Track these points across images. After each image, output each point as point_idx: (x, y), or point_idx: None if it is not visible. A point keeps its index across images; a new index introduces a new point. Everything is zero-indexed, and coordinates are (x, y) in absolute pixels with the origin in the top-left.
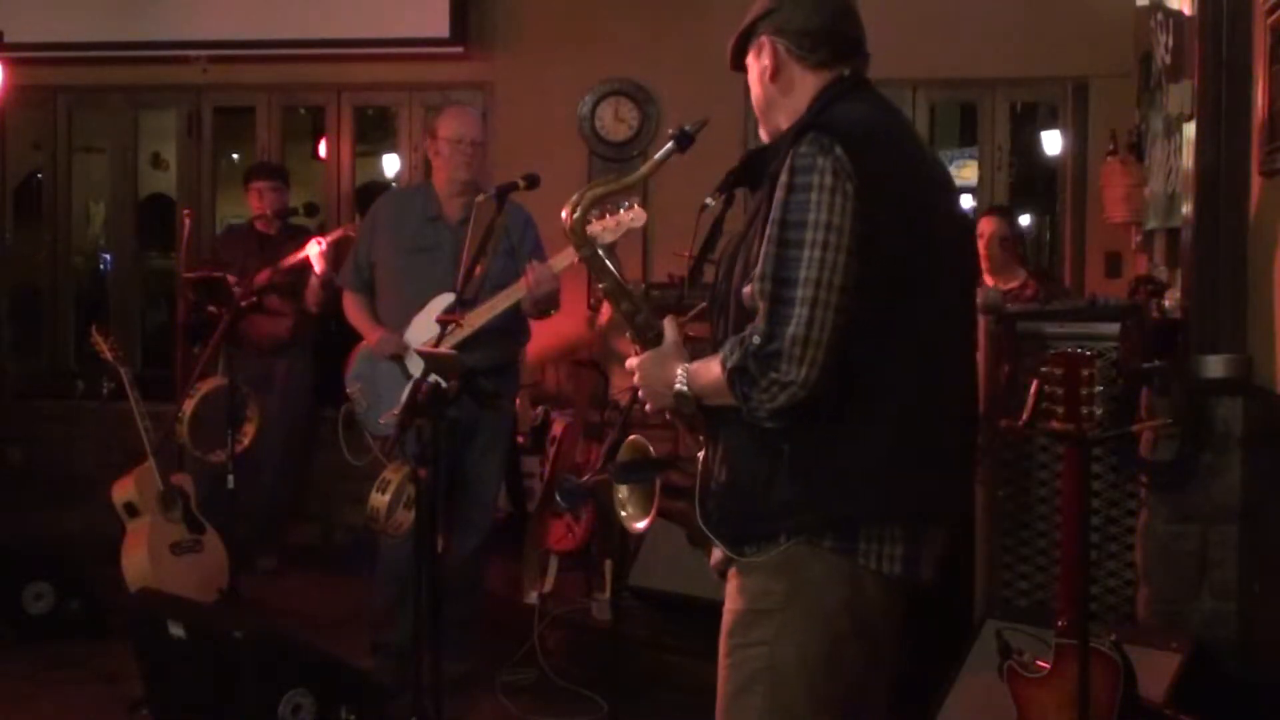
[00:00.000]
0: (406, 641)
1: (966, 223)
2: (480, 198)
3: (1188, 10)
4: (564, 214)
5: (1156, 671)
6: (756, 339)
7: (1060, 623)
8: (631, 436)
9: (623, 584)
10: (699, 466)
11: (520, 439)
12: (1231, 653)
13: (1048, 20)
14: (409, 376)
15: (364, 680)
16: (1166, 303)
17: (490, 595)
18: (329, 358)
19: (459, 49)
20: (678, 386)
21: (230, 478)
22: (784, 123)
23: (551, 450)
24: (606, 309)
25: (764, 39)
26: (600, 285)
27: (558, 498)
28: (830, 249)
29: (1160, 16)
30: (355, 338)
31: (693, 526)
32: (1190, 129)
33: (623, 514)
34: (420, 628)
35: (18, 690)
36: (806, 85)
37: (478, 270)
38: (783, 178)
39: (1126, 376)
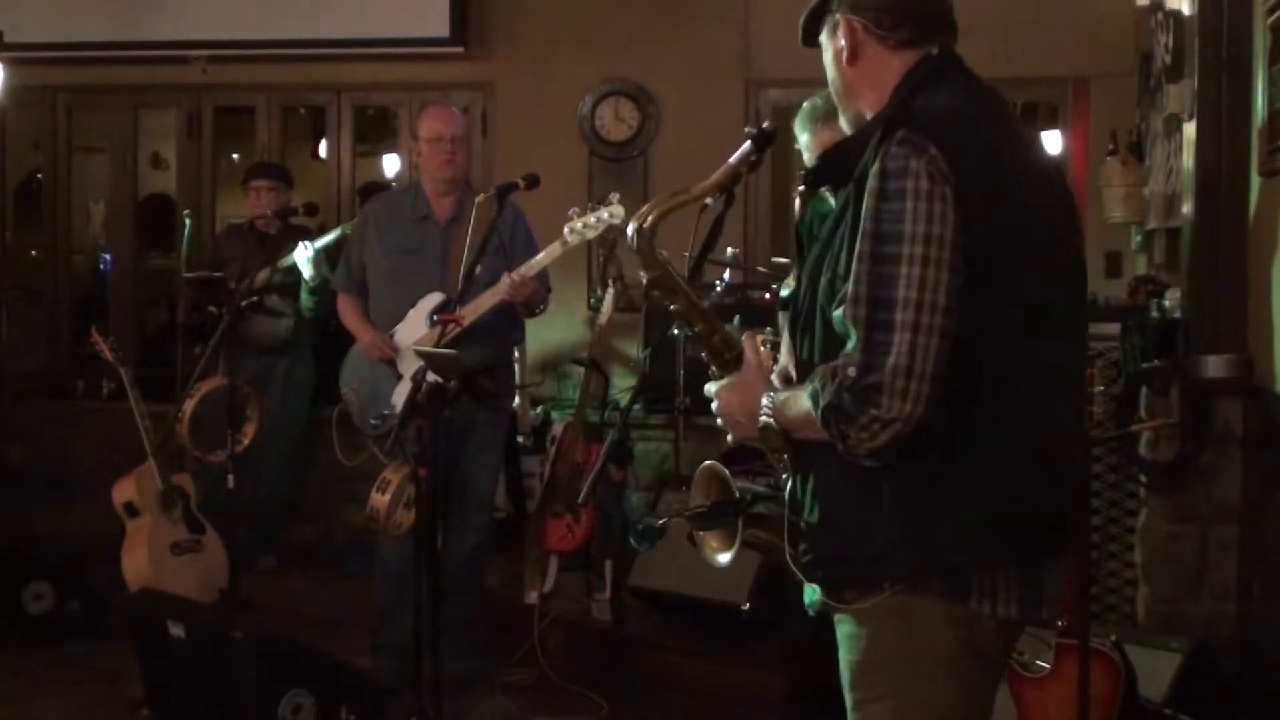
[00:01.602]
0: (406, 641)
1: (1074, 211)
2: (480, 197)
3: (1188, 10)
4: (630, 231)
5: (1156, 671)
6: (852, 371)
7: (1060, 623)
8: (707, 465)
9: (623, 584)
10: (785, 497)
11: (520, 438)
12: (1231, 653)
13: (1048, 20)
14: (400, 376)
15: (364, 680)
16: (1166, 303)
17: (490, 595)
18: (328, 358)
19: (459, 49)
20: (763, 419)
21: (230, 478)
22: (867, 110)
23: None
24: (607, 309)
25: (840, 17)
26: (672, 306)
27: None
28: (930, 264)
29: (1160, 16)
30: (354, 338)
31: (780, 558)
32: (1190, 129)
33: (705, 551)
34: (420, 628)
35: (18, 690)
36: (890, 68)
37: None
38: (871, 183)
39: (1126, 376)
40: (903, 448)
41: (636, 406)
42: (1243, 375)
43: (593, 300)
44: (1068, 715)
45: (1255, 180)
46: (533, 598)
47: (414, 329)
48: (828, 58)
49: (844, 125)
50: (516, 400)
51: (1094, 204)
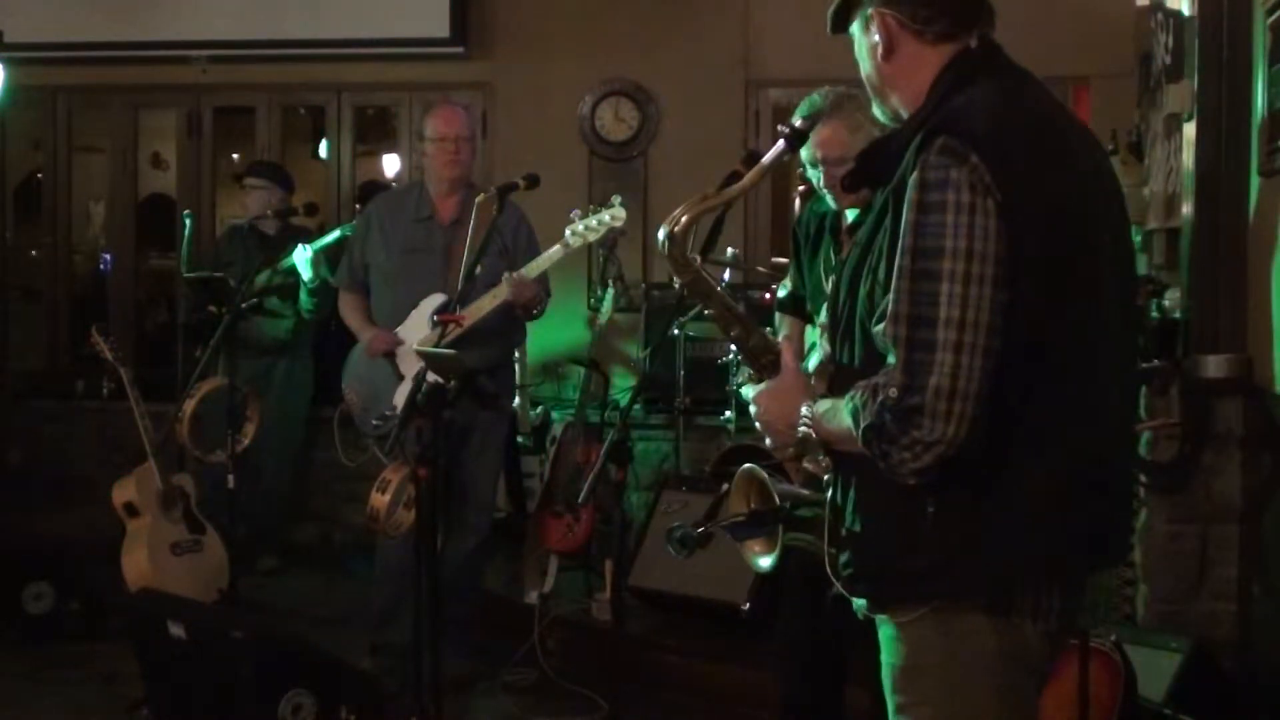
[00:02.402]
0: (406, 641)
1: (1126, 221)
2: (481, 197)
3: (1188, 10)
4: (661, 236)
5: (1156, 671)
6: (894, 392)
7: None
8: (746, 468)
9: (623, 584)
10: (825, 505)
11: (520, 438)
12: (1231, 653)
13: (1048, 20)
14: (402, 376)
15: (364, 680)
16: (1166, 303)
17: (490, 595)
18: (328, 358)
19: (459, 49)
20: (802, 430)
21: (230, 478)
22: (904, 107)
23: (552, 450)
24: (607, 309)
25: (873, 11)
26: (707, 311)
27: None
28: (973, 282)
29: (1160, 16)
30: (354, 338)
31: (819, 560)
32: (1190, 129)
33: (748, 556)
34: (420, 628)
35: (18, 690)
36: (927, 63)
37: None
38: (911, 194)
39: None
40: (946, 467)
41: (636, 406)
42: (1243, 375)
43: (593, 300)
44: (1068, 715)
45: (1255, 180)
46: (533, 598)
47: (416, 329)
48: (862, 52)
49: (879, 117)
50: (516, 400)
51: None
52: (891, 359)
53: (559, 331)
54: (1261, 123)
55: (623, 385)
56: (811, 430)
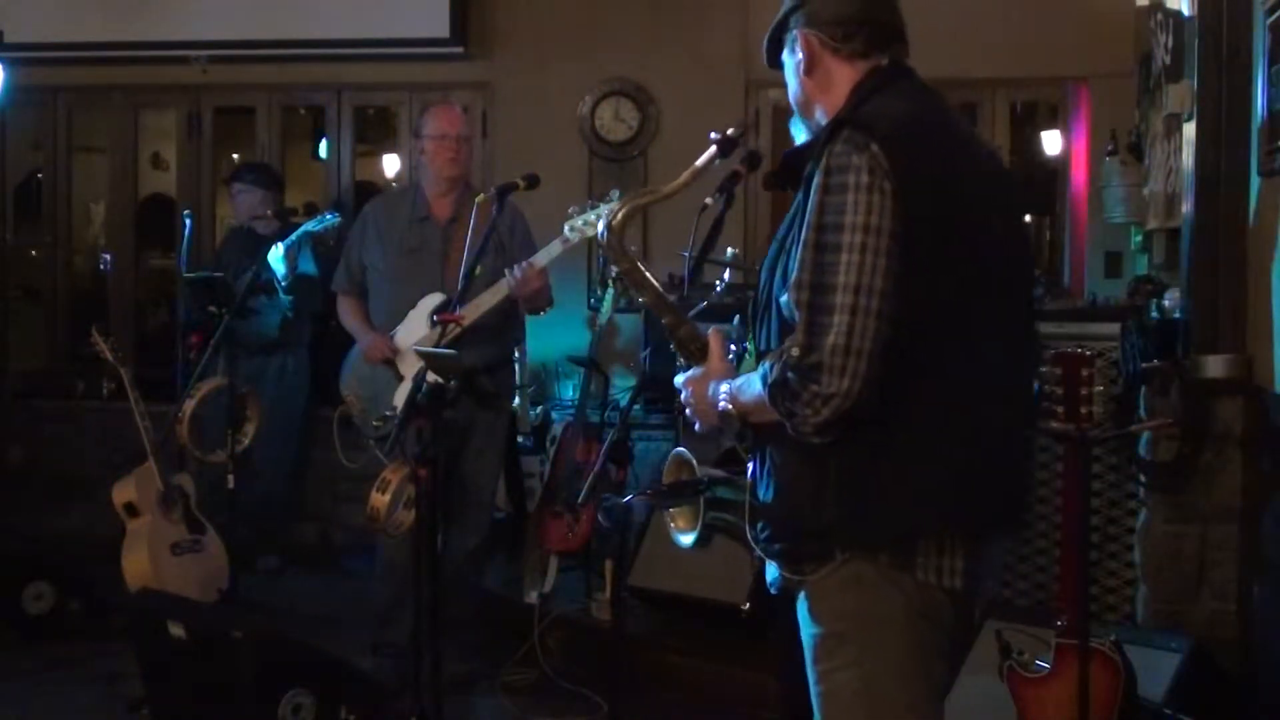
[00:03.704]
0: (406, 641)
1: (1020, 216)
2: (480, 197)
3: (1188, 10)
4: (601, 228)
5: (1156, 671)
6: (795, 351)
7: (1060, 623)
8: (677, 450)
9: (623, 584)
10: (746, 482)
11: (520, 438)
12: (1231, 653)
13: (1048, 20)
14: (401, 376)
15: (364, 680)
16: (1166, 303)
17: (490, 595)
18: (327, 357)
19: (459, 49)
20: (721, 405)
21: (230, 478)
22: (824, 119)
23: (552, 450)
24: (607, 309)
25: (798, 32)
26: (641, 299)
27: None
28: (869, 252)
29: (1160, 16)
30: (353, 337)
31: (742, 541)
32: (1190, 129)
33: (672, 527)
34: (420, 628)
35: (18, 690)
36: (843, 78)
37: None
38: (817, 178)
39: (1126, 376)
40: (844, 424)
41: (636, 406)
42: (1243, 375)
43: (593, 300)
44: (1068, 715)
45: (1255, 180)
46: (533, 598)
47: (414, 329)
48: (788, 72)
49: (801, 136)
50: (516, 400)
51: (1094, 204)
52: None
53: (559, 331)
54: (1261, 123)
55: (623, 385)
56: (730, 405)
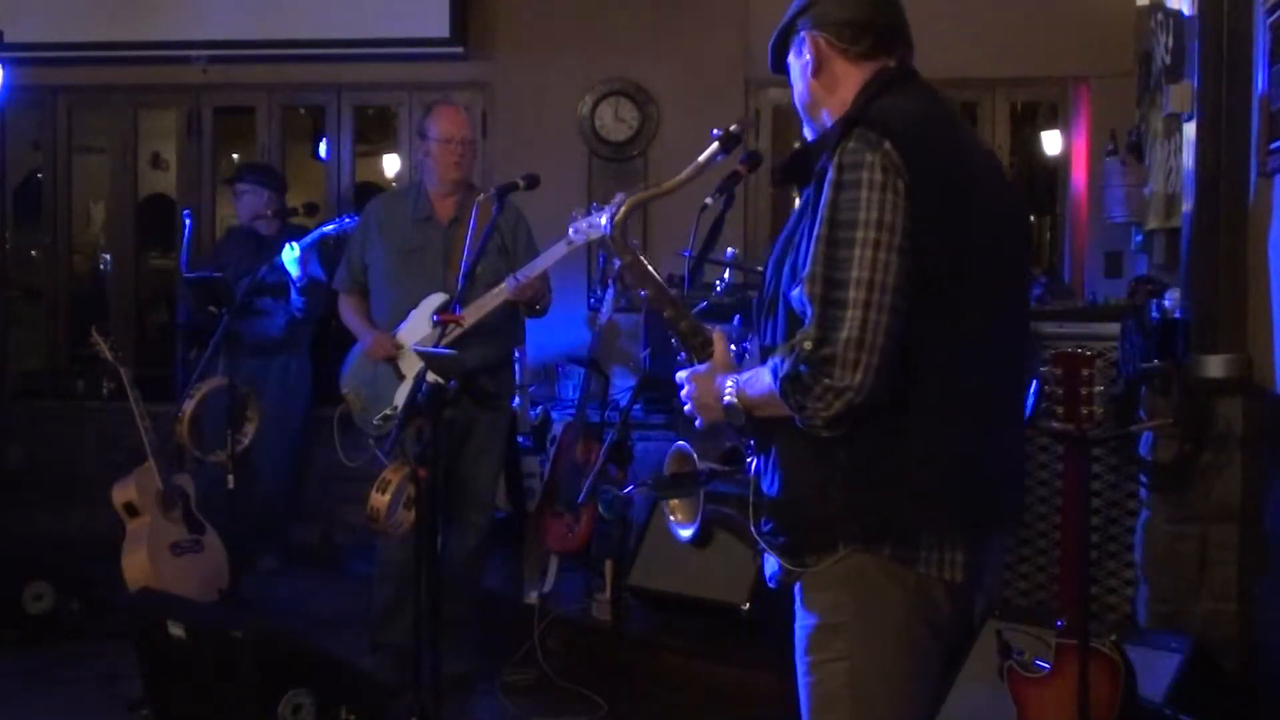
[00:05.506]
0: (406, 641)
1: (1020, 215)
2: (481, 197)
3: (1188, 10)
4: (603, 222)
5: (1156, 671)
6: (808, 344)
7: (1060, 623)
8: (678, 444)
9: (623, 584)
10: (750, 475)
11: (520, 438)
12: (1231, 653)
13: (1048, 20)
14: (402, 376)
15: (364, 680)
16: (1166, 303)
17: (490, 595)
18: (327, 357)
19: (459, 49)
20: (726, 399)
21: (230, 478)
22: (830, 119)
23: (552, 450)
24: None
25: (805, 34)
26: (643, 293)
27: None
28: (882, 248)
29: (1160, 16)
30: (354, 337)
31: (743, 534)
32: (1190, 129)
33: (671, 519)
34: (420, 628)
35: (18, 690)
36: (851, 79)
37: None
38: (831, 175)
39: (1126, 376)
40: (855, 417)
41: (636, 406)
42: (1243, 375)
43: (592, 300)
44: (1068, 715)
45: (1255, 180)
46: (533, 598)
47: (416, 329)
48: (795, 74)
49: (808, 135)
50: (516, 400)
51: (1094, 204)
52: (808, 319)
53: (559, 331)
54: (1261, 123)
55: (623, 385)
56: (735, 399)
